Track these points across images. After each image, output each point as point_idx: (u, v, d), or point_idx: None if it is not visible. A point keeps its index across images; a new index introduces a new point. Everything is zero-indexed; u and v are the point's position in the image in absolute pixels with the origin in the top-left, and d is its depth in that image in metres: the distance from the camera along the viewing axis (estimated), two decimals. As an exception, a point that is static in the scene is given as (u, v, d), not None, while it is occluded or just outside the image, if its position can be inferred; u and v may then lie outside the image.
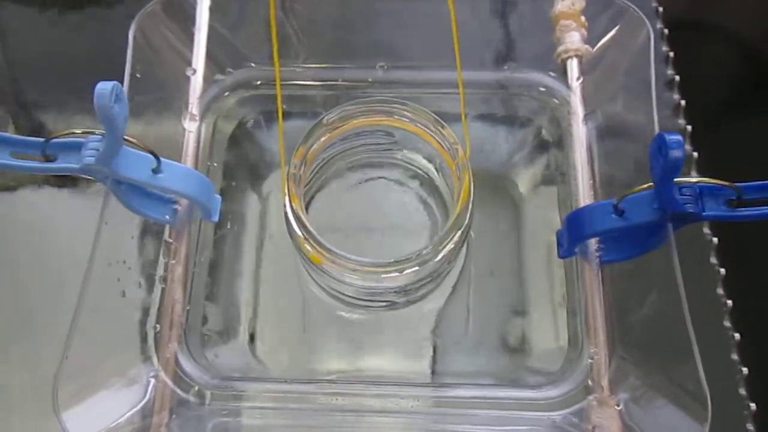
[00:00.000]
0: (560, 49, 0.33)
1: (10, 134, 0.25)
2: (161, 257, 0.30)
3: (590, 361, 0.29)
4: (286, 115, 0.35)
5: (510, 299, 0.33)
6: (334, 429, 0.29)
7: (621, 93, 0.32)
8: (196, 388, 0.29)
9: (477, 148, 0.35)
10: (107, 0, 0.40)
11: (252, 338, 0.32)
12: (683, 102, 0.36)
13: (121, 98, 0.23)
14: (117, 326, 0.29)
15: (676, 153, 0.22)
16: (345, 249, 0.27)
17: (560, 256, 0.30)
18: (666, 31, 0.38)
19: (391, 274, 0.27)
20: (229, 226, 0.34)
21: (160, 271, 0.30)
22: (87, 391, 0.26)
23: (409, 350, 0.32)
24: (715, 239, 0.33)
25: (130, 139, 0.25)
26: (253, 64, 0.36)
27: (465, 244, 0.31)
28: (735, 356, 0.31)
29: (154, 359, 0.29)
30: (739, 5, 0.43)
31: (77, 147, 0.25)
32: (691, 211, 0.24)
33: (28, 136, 0.25)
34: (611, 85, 0.32)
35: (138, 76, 0.30)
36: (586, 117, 0.33)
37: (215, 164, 0.34)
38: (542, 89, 0.35)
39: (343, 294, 0.31)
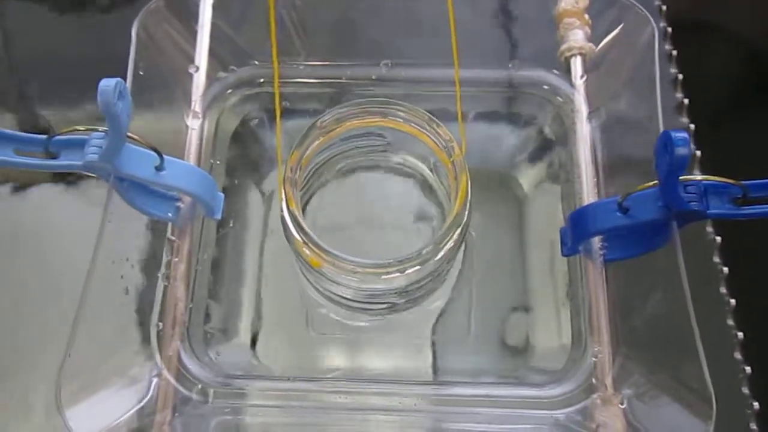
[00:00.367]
0: (564, 47, 0.33)
1: (13, 131, 0.25)
2: (164, 255, 0.30)
3: (594, 359, 0.29)
4: (290, 114, 0.35)
5: (513, 297, 0.33)
6: (337, 427, 0.29)
7: (625, 91, 0.32)
8: (199, 386, 0.29)
9: (480, 146, 0.35)
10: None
11: (254, 336, 0.32)
12: (686, 101, 0.36)
13: (125, 95, 0.23)
14: (120, 324, 0.29)
15: (682, 150, 0.22)
16: (343, 251, 0.27)
17: (564, 254, 0.30)
18: (669, 29, 0.38)
19: (392, 275, 0.27)
20: (231, 224, 0.34)
21: (162, 269, 0.30)
22: (90, 388, 0.26)
23: (411, 348, 0.32)
24: (718, 238, 0.33)
25: (133, 136, 0.25)
26: (256, 62, 0.35)
27: (464, 243, 0.31)
28: (738, 355, 0.31)
29: (157, 357, 0.29)
30: (742, 5, 0.43)
31: (80, 144, 0.25)
32: (696, 209, 0.24)
33: (31, 133, 0.25)
34: (615, 83, 0.32)
35: (141, 73, 0.30)
36: (590, 115, 0.33)
37: (218, 162, 0.34)
38: (546, 87, 0.35)
39: (343, 297, 0.31)
